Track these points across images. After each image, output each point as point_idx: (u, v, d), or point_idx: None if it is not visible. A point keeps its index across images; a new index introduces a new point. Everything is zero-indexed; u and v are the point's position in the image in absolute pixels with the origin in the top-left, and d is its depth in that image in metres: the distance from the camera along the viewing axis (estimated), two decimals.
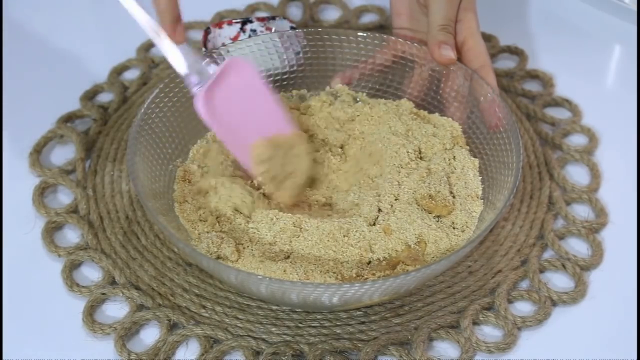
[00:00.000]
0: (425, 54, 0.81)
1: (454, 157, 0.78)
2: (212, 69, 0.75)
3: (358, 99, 0.84)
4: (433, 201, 0.74)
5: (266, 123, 0.76)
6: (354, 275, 0.69)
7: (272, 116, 0.77)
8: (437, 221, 0.73)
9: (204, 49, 0.87)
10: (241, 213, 0.74)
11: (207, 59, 0.78)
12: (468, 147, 0.79)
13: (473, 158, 0.78)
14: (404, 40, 0.82)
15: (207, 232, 0.72)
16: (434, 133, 0.79)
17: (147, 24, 0.72)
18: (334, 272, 0.70)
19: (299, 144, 0.78)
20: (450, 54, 0.78)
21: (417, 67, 0.82)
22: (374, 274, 0.70)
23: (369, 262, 0.71)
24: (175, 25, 0.73)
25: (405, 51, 0.82)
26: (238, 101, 0.75)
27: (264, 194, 0.76)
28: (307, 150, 0.78)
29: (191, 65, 0.73)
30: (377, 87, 0.84)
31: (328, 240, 0.71)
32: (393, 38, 0.82)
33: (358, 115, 0.82)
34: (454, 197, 0.75)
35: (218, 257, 0.71)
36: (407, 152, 0.77)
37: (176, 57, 0.73)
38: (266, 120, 0.76)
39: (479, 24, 0.81)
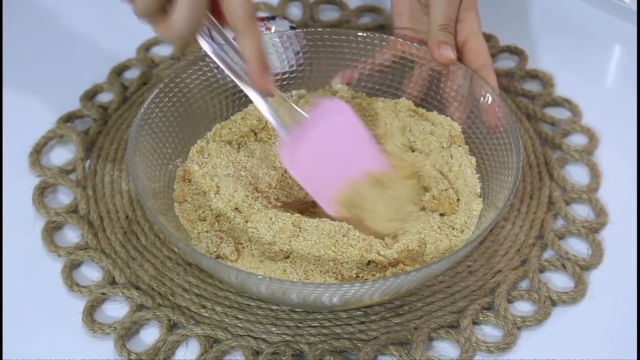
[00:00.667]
0: (425, 54, 0.81)
1: (451, 155, 0.78)
2: (304, 114, 0.74)
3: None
4: (436, 200, 0.74)
5: (360, 162, 0.75)
6: (354, 275, 0.69)
7: (367, 155, 0.76)
8: (440, 220, 0.73)
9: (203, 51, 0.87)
10: (241, 212, 0.74)
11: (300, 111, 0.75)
12: (467, 147, 0.79)
13: (470, 156, 0.78)
14: (404, 40, 0.82)
15: (207, 232, 0.72)
16: (432, 131, 0.79)
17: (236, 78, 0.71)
18: (334, 272, 0.70)
19: (400, 185, 0.76)
20: (450, 54, 0.78)
21: (417, 67, 0.82)
22: (373, 275, 0.70)
23: (369, 263, 0.71)
24: (264, 74, 0.69)
25: (405, 51, 0.82)
26: (329, 144, 0.74)
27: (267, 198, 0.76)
28: (406, 186, 0.76)
29: (282, 115, 0.72)
30: (377, 87, 0.84)
31: (327, 241, 0.71)
32: (393, 38, 0.82)
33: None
34: (457, 194, 0.75)
35: (217, 257, 0.71)
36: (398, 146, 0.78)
37: (264, 109, 0.72)
38: (360, 159, 0.75)
39: (480, 24, 0.81)
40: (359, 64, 0.84)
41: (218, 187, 0.75)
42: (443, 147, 0.78)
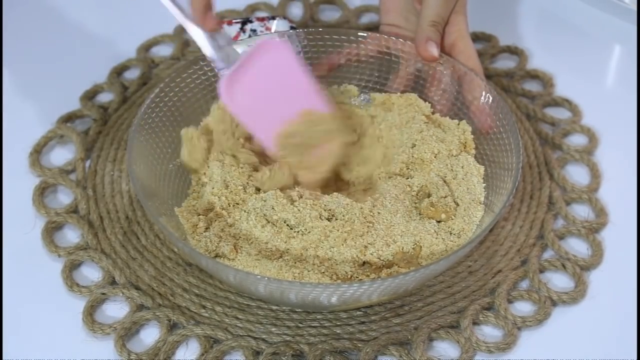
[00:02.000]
0: (410, 49, 0.81)
1: (460, 163, 0.77)
2: (243, 52, 0.75)
3: (369, 100, 0.84)
4: (433, 207, 0.74)
5: (299, 102, 0.76)
6: (348, 276, 0.69)
7: (305, 95, 0.76)
8: (437, 226, 0.73)
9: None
10: (239, 211, 0.74)
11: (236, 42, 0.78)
12: (474, 153, 0.78)
13: (479, 165, 0.77)
14: (392, 37, 0.82)
15: (206, 231, 0.72)
16: (442, 138, 0.78)
17: (175, 9, 0.73)
18: (329, 272, 0.70)
19: (331, 120, 0.77)
20: (434, 51, 0.79)
21: (403, 63, 0.82)
22: (367, 275, 0.70)
23: (363, 264, 0.71)
24: (206, 12, 0.73)
25: (390, 47, 0.82)
26: (268, 82, 0.75)
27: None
28: (339, 129, 0.77)
29: (218, 49, 0.74)
30: (363, 83, 0.84)
31: (324, 241, 0.71)
32: (385, 36, 0.82)
33: (374, 117, 0.81)
34: (456, 203, 0.75)
35: (216, 256, 0.71)
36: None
37: (202, 41, 0.74)
38: (299, 99, 0.76)
39: (468, 27, 0.82)
40: (342, 51, 0.84)
41: (215, 185, 0.76)
42: (452, 154, 0.78)
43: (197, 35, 0.74)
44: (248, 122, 0.75)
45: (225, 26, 0.88)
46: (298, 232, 0.72)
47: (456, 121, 0.80)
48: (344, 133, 0.78)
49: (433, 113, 0.81)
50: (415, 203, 0.75)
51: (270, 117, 0.75)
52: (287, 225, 0.72)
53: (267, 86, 0.75)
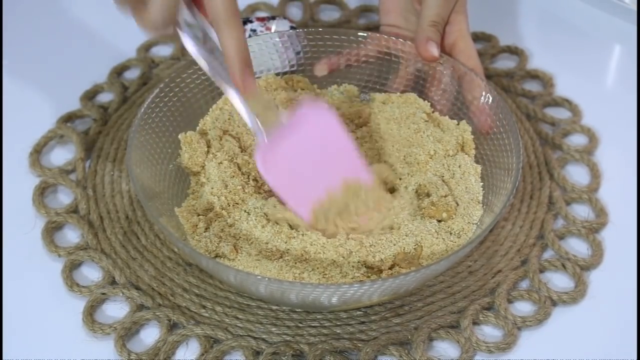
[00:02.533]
0: (410, 49, 0.81)
1: (457, 162, 0.77)
2: (285, 117, 0.71)
3: (369, 100, 0.84)
4: (434, 207, 0.74)
5: (339, 171, 0.72)
6: (349, 276, 0.69)
7: (347, 163, 0.73)
8: (437, 225, 0.73)
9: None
10: (239, 211, 0.74)
11: (282, 110, 0.72)
12: (474, 153, 0.78)
13: (476, 164, 0.77)
14: (392, 37, 0.82)
15: (206, 231, 0.72)
16: (440, 138, 0.78)
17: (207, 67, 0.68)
18: (330, 273, 0.69)
19: (372, 191, 0.74)
20: (434, 51, 0.79)
21: (403, 63, 0.82)
22: (368, 276, 0.70)
23: (364, 264, 0.71)
24: (245, 72, 0.66)
25: (390, 47, 0.82)
26: (307, 151, 0.71)
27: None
28: (380, 198, 0.74)
29: (262, 117, 0.69)
30: (363, 83, 0.84)
31: (324, 241, 0.71)
32: (385, 36, 0.82)
33: (372, 113, 0.81)
34: (456, 202, 0.75)
35: (216, 256, 0.71)
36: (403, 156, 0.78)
37: (240, 108, 0.69)
38: (339, 168, 0.72)
39: (469, 27, 0.82)
40: (343, 51, 0.83)
41: (214, 185, 0.76)
42: (449, 154, 0.78)
43: (236, 100, 0.69)
44: (285, 194, 0.71)
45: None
46: (299, 232, 0.72)
47: (455, 121, 0.80)
48: (384, 201, 0.74)
49: (433, 112, 0.81)
50: (417, 202, 0.75)
51: (308, 188, 0.71)
52: (288, 225, 0.72)
53: (306, 155, 0.71)
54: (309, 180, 0.72)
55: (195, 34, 0.68)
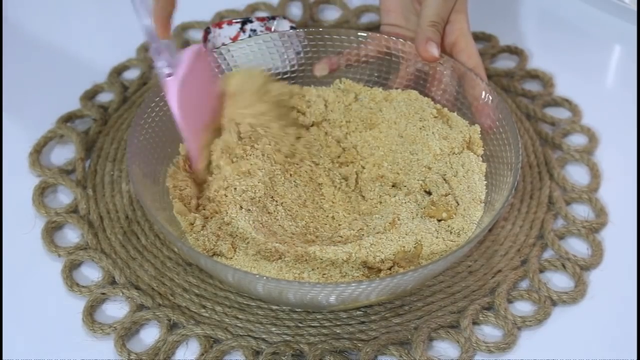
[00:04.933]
0: (411, 49, 0.81)
1: (461, 161, 0.77)
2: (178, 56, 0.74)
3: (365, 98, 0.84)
4: (434, 206, 0.74)
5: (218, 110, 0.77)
6: (349, 276, 0.69)
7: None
8: (437, 225, 0.73)
9: None
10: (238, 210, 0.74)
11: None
12: (481, 152, 0.78)
13: (481, 163, 0.77)
14: (392, 37, 0.82)
15: (203, 229, 0.72)
16: (446, 135, 0.78)
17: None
18: (330, 273, 0.69)
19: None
20: (435, 51, 0.79)
21: (404, 63, 0.82)
22: (368, 276, 0.70)
23: (363, 264, 0.71)
24: (167, 23, 0.72)
25: (391, 47, 0.82)
26: (198, 88, 0.75)
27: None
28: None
29: (162, 49, 0.72)
30: (363, 83, 0.84)
31: (322, 241, 0.71)
32: (385, 36, 0.82)
33: (380, 111, 0.81)
34: (456, 201, 0.75)
35: (214, 255, 0.71)
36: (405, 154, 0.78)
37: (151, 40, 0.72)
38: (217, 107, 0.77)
39: (469, 26, 0.82)
40: (343, 51, 0.84)
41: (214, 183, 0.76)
42: (454, 152, 0.78)
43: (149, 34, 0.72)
44: (185, 129, 0.74)
45: (225, 26, 0.88)
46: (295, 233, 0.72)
47: (466, 122, 0.79)
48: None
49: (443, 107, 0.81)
50: (417, 201, 0.75)
51: (199, 124, 0.75)
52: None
53: (198, 92, 0.75)
54: (200, 117, 0.76)
55: None
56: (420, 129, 0.78)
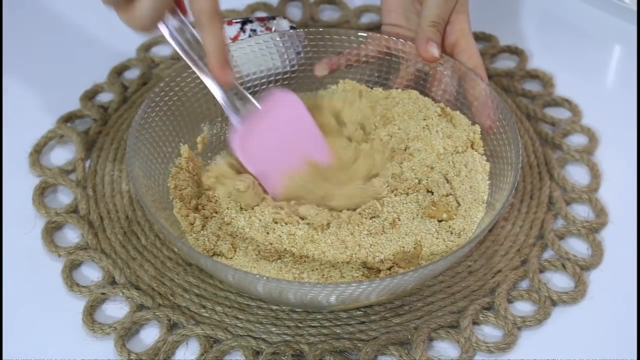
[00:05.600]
0: (411, 49, 0.81)
1: (464, 160, 0.77)
2: (253, 104, 0.76)
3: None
4: (434, 207, 0.74)
5: (306, 151, 0.77)
6: (349, 276, 0.69)
7: (312, 144, 0.78)
8: (438, 225, 0.73)
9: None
10: (238, 210, 0.74)
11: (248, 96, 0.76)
12: (483, 151, 0.78)
13: (485, 162, 0.77)
14: (392, 37, 0.82)
15: (203, 229, 0.72)
16: (450, 134, 0.78)
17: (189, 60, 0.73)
18: (330, 274, 0.69)
19: (333, 174, 0.78)
20: (435, 52, 0.79)
21: (404, 63, 0.82)
22: (367, 277, 0.70)
23: (363, 264, 0.71)
24: (224, 67, 0.70)
25: (391, 47, 0.82)
26: (279, 133, 0.76)
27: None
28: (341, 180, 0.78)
29: (235, 106, 0.75)
30: (364, 84, 0.84)
31: (322, 242, 0.71)
32: (386, 36, 0.82)
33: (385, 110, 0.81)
34: (457, 201, 0.75)
35: (214, 255, 0.71)
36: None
37: (219, 98, 0.74)
38: (306, 148, 0.77)
39: (470, 26, 0.82)
40: (343, 52, 0.84)
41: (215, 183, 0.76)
42: (458, 151, 0.78)
43: (214, 89, 0.74)
44: (256, 173, 0.76)
45: (225, 26, 0.88)
46: (296, 233, 0.72)
47: (469, 122, 0.79)
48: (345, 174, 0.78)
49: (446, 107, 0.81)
50: (418, 201, 0.75)
51: (277, 166, 0.76)
52: (289, 230, 0.72)
53: (276, 138, 0.76)
54: (279, 161, 0.76)
55: (175, 27, 0.72)
56: (424, 128, 0.78)
